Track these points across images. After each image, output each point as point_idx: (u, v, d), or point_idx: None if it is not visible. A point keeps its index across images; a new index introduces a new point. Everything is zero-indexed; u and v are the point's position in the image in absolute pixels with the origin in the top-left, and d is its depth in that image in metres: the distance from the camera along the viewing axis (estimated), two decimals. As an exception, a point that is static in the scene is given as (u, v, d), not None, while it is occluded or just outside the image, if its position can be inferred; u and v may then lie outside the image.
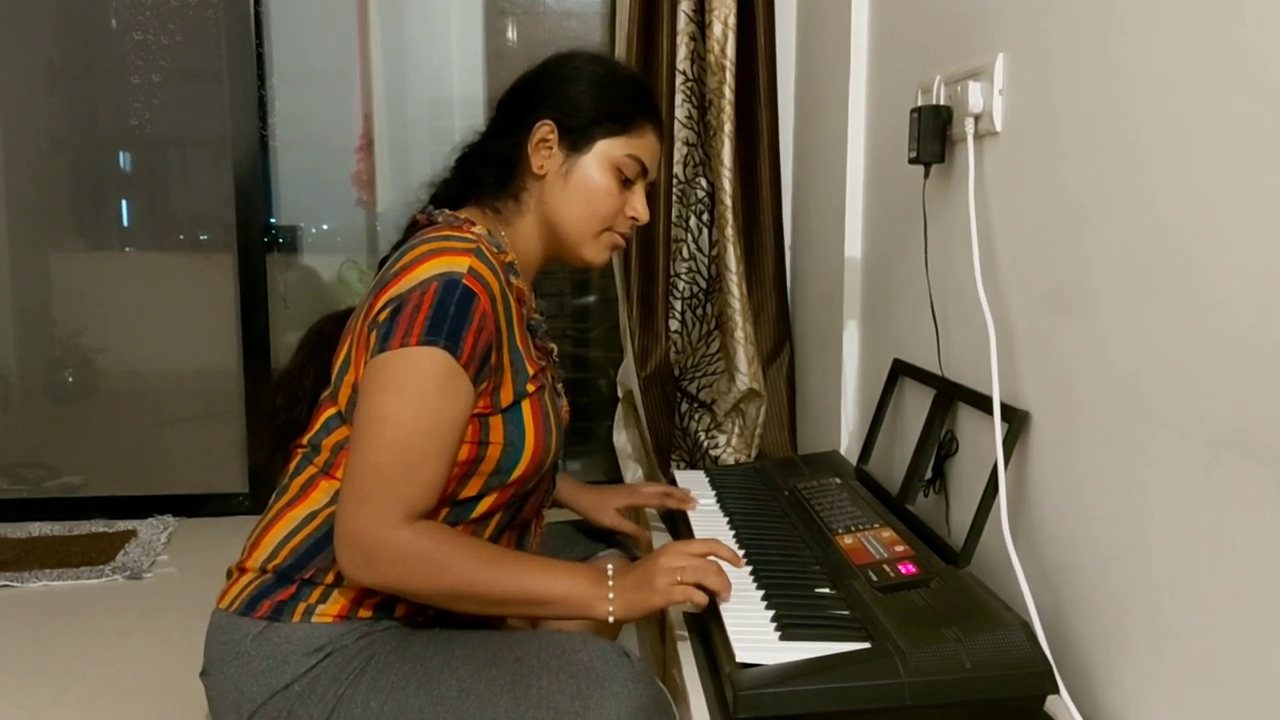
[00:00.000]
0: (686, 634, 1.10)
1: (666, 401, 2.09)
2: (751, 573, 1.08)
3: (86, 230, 2.44)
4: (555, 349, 1.22)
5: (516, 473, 1.04)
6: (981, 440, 1.18)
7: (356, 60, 2.42)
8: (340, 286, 2.46)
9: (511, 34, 2.43)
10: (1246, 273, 0.73)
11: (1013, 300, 1.12)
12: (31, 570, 1.99)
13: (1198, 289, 0.79)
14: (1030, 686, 0.87)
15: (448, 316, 0.95)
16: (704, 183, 2.11)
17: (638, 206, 1.15)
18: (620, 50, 2.05)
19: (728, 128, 1.99)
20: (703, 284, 2.14)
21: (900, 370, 1.48)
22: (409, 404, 0.94)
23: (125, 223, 2.45)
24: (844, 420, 1.75)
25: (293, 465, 1.06)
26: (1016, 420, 1.07)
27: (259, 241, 2.37)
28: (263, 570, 1.01)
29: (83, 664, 1.59)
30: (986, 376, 1.08)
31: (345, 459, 1.00)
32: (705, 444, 2.11)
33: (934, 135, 1.27)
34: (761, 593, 1.03)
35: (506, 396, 1.03)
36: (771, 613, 0.98)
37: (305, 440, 1.06)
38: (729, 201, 2.01)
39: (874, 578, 1.05)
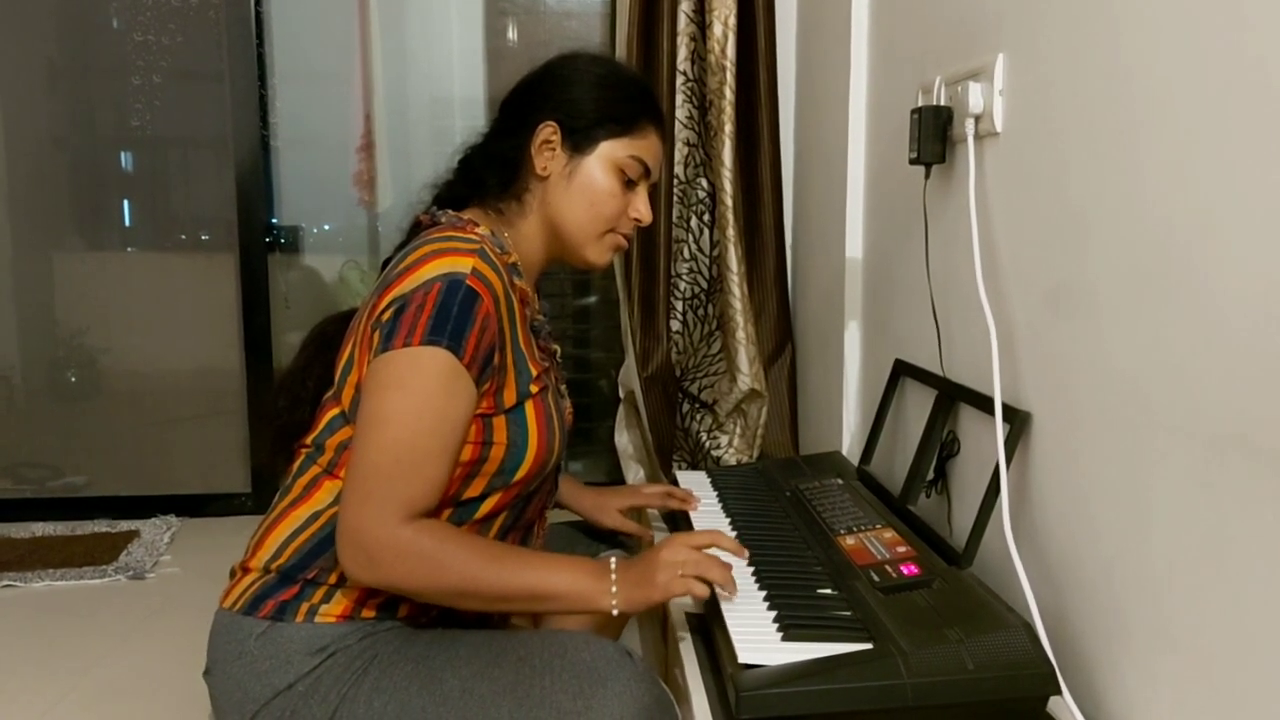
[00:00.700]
0: (689, 634, 1.11)
1: (668, 402, 2.09)
2: (754, 573, 1.09)
3: (88, 230, 2.45)
4: (559, 350, 1.22)
5: (520, 473, 1.05)
6: (983, 441, 1.18)
7: (357, 60, 2.43)
8: (341, 287, 2.47)
9: (511, 34, 2.43)
10: (1247, 274, 0.73)
11: (1014, 301, 1.12)
12: (35, 570, 1.99)
13: (1198, 289, 0.79)
14: (1032, 687, 0.87)
15: (451, 317, 0.95)
16: (705, 183, 2.11)
17: (641, 208, 1.16)
18: (620, 50, 2.05)
19: (728, 128, 1.99)
20: (704, 284, 2.14)
21: (902, 371, 1.48)
22: (411, 403, 0.94)
23: (127, 223, 2.46)
24: (845, 421, 1.75)
25: (296, 465, 1.06)
26: (1018, 421, 1.07)
27: (260, 241, 2.37)
28: (266, 570, 1.01)
29: (86, 664, 1.59)
30: (988, 377, 1.08)
31: (348, 458, 1.00)
32: (707, 444, 2.11)
33: (934, 136, 1.27)
34: (763, 593, 1.03)
35: (510, 397, 1.03)
36: (774, 613, 0.98)
37: (309, 440, 1.06)
38: (730, 202, 2.01)
39: (876, 578, 1.05)
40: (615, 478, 2.27)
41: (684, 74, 2.05)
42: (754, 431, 2.06)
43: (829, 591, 1.04)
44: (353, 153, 2.44)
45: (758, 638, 0.93)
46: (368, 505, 0.92)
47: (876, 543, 1.15)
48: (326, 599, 0.99)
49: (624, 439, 2.22)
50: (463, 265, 0.98)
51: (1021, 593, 0.96)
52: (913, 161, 1.30)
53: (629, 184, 1.14)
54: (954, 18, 1.29)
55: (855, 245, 1.71)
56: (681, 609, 1.16)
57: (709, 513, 1.36)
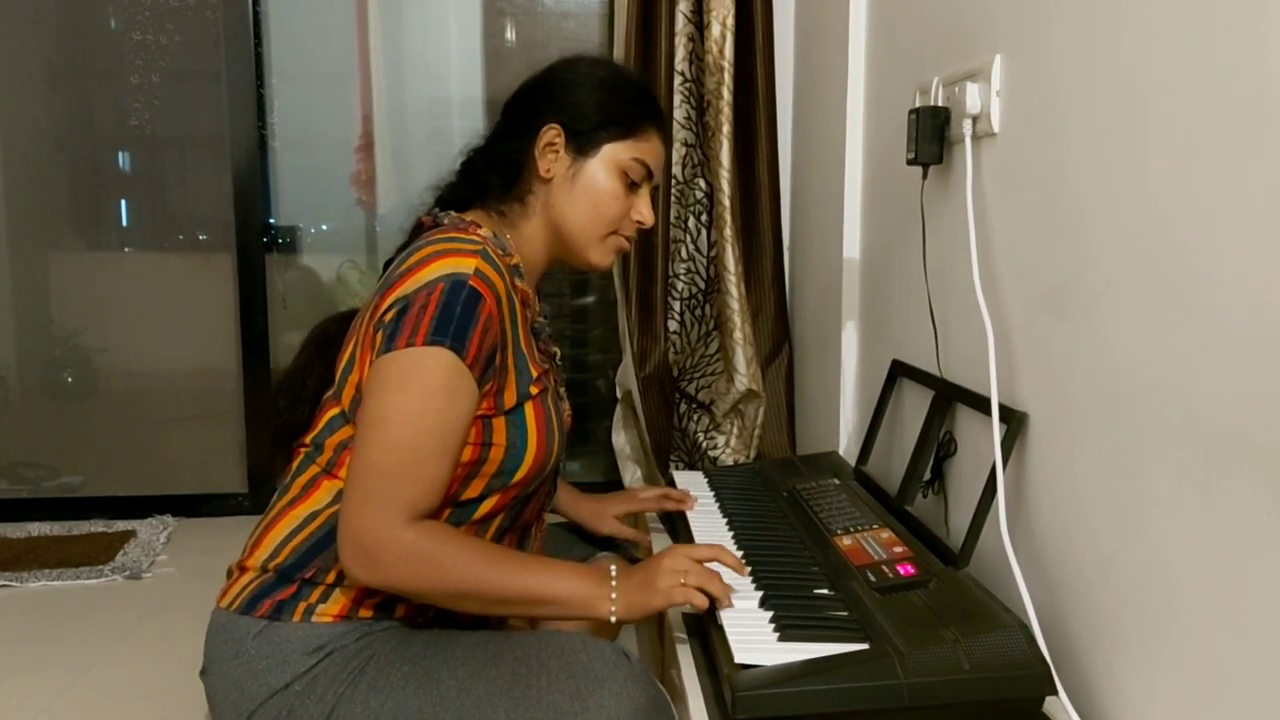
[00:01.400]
0: (685, 635, 1.10)
1: (665, 402, 2.09)
2: (750, 574, 1.09)
3: (86, 230, 2.44)
4: (559, 352, 1.22)
5: (519, 475, 1.05)
6: (980, 441, 1.18)
7: (356, 60, 2.43)
8: (339, 287, 2.46)
9: (510, 34, 2.43)
10: (1244, 274, 0.73)
11: (1011, 301, 1.12)
12: (31, 570, 1.99)
13: (1195, 290, 0.79)
14: (1028, 688, 0.87)
15: (453, 317, 0.95)
16: (702, 183, 2.11)
17: (643, 210, 1.16)
18: (618, 51, 2.05)
19: (726, 129, 2.00)
20: (701, 285, 2.14)
21: (899, 371, 1.48)
22: (414, 404, 0.94)
23: (124, 223, 2.45)
24: (843, 421, 1.75)
25: (295, 465, 1.06)
26: (1015, 421, 1.08)
27: (258, 242, 2.37)
28: (263, 569, 1.01)
29: (82, 664, 1.59)
30: (985, 377, 1.09)
31: (348, 458, 1.00)
32: (704, 445, 2.11)
33: (932, 136, 1.27)
34: (760, 594, 1.03)
35: (510, 398, 1.03)
36: (770, 613, 0.98)
37: (308, 440, 1.06)
38: (727, 202, 2.01)
39: (873, 579, 1.05)
40: (612, 478, 2.27)
41: (682, 74, 2.05)
42: (751, 432, 2.06)
43: (825, 592, 1.04)
44: (351, 153, 2.44)
45: (754, 638, 0.93)
46: (370, 506, 0.92)
47: (873, 543, 1.15)
48: (324, 598, 0.99)
49: (621, 439, 2.22)
50: (466, 266, 0.98)
51: (1018, 593, 0.97)
52: (910, 162, 1.30)
53: (631, 186, 1.15)
54: (951, 18, 1.29)
55: (853, 246, 1.72)
56: (678, 610, 1.16)
57: (706, 513, 1.36)
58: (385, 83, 2.44)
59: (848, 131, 1.69)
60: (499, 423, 1.02)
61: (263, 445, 2.34)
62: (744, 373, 2.01)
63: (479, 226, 1.08)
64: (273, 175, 2.39)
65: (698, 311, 2.15)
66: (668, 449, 2.11)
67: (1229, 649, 0.75)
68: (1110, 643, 0.92)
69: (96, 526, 2.28)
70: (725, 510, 1.36)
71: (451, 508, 1.03)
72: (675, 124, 2.07)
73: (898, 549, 1.13)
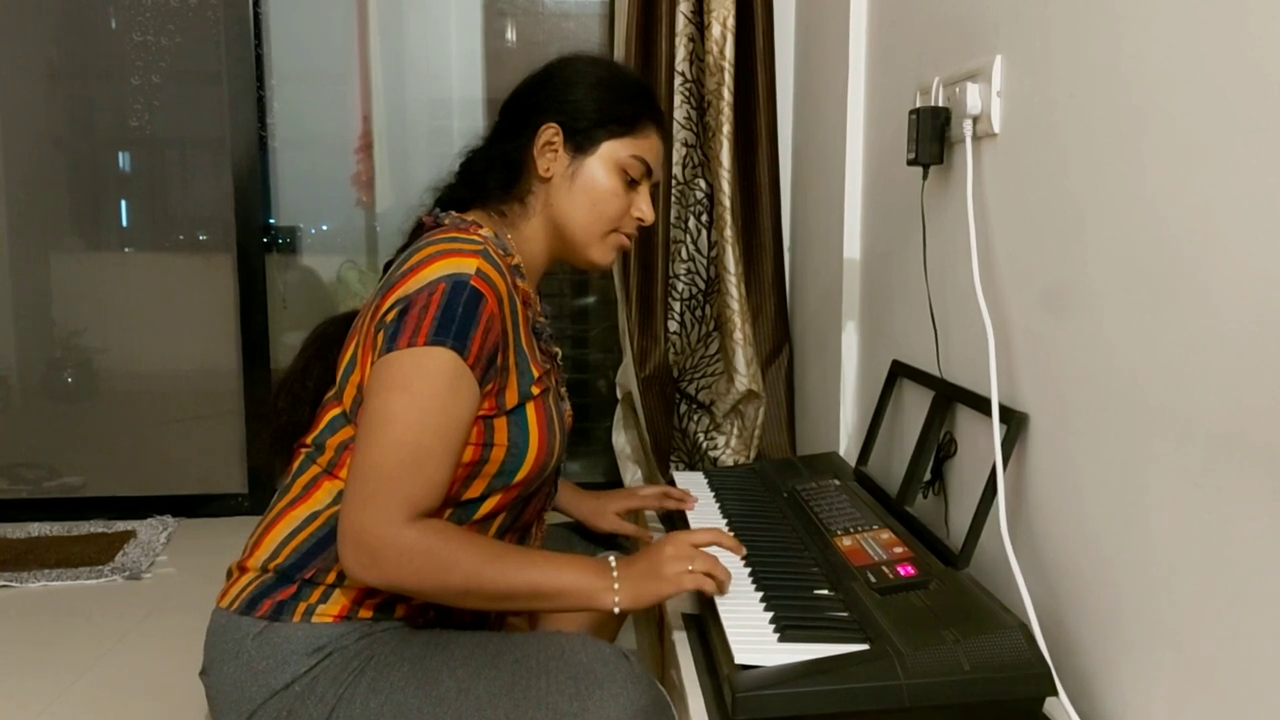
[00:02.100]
0: (685, 635, 1.11)
1: (665, 403, 2.09)
2: (750, 574, 1.09)
3: (86, 230, 2.44)
4: (560, 353, 1.22)
5: (520, 475, 1.05)
6: (980, 442, 1.18)
7: (356, 61, 2.43)
8: (339, 287, 2.47)
9: (510, 35, 2.43)
10: (1243, 274, 0.73)
11: (1011, 302, 1.12)
12: (31, 570, 1.99)
13: (1195, 290, 0.79)
14: (1029, 688, 0.87)
15: (455, 317, 0.95)
16: (703, 184, 2.11)
17: (643, 207, 1.16)
18: (619, 51, 2.05)
19: (726, 129, 2.00)
20: (701, 285, 2.14)
21: (899, 371, 1.48)
22: (416, 403, 0.94)
23: (125, 223, 2.45)
24: (843, 421, 1.75)
25: (296, 465, 1.06)
26: (1015, 422, 1.08)
27: (258, 242, 2.37)
28: (264, 570, 1.01)
29: (82, 664, 1.59)
30: (985, 378, 1.09)
31: (349, 459, 1.00)
32: (704, 445, 2.11)
33: (932, 137, 1.27)
34: (760, 594, 1.03)
35: (511, 398, 1.03)
36: (770, 614, 0.98)
37: (309, 440, 1.06)
38: (728, 203, 2.01)
39: (873, 579, 1.05)
40: (613, 478, 2.27)
41: (682, 75, 2.05)
42: (751, 432, 2.06)
43: (826, 592, 1.04)
44: (351, 153, 2.44)
45: (754, 638, 0.93)
46: (371, 505, 0.92)
47: (873, 543, 1.15)
48: (324, 599, 0.99)
49: (621, 439, 2.22)
50: (467, 266, 0.98)
51: (1018, 594, 0.97)
52: (910, 162, 1.30)
53: (631, 184, 1.14)
54: (952, 19, 1.29)
55: (853, 246, 1.72)
56: (678, 610, 1.16)
57: (706, 513, 1.36)
58: (385, 83, 2.44)
59: (848, 132, 1.69)
60: (500, 423, 1.02)
61: (263, 446, 2.34)
62: (744, 373, 2.01)
63: (480, 227, 1.09)
64: (273, 176, 2.39)
65: (698, 312, 2.15)
66: (668, 449, 2.11)
67: (1229, 649, 0.75)
68: (1111, 643, 0.92)
69: (97, 527, 2.28)
70: (725, 511, 1.36)
71: (452, 508, 1.03)
72: (676, 124, 2.07)
73: (898, 550, 1.13)
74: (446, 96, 2.47)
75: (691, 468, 2.14)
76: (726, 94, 1.99)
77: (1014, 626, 0.91)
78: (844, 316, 1.73)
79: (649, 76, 2.00)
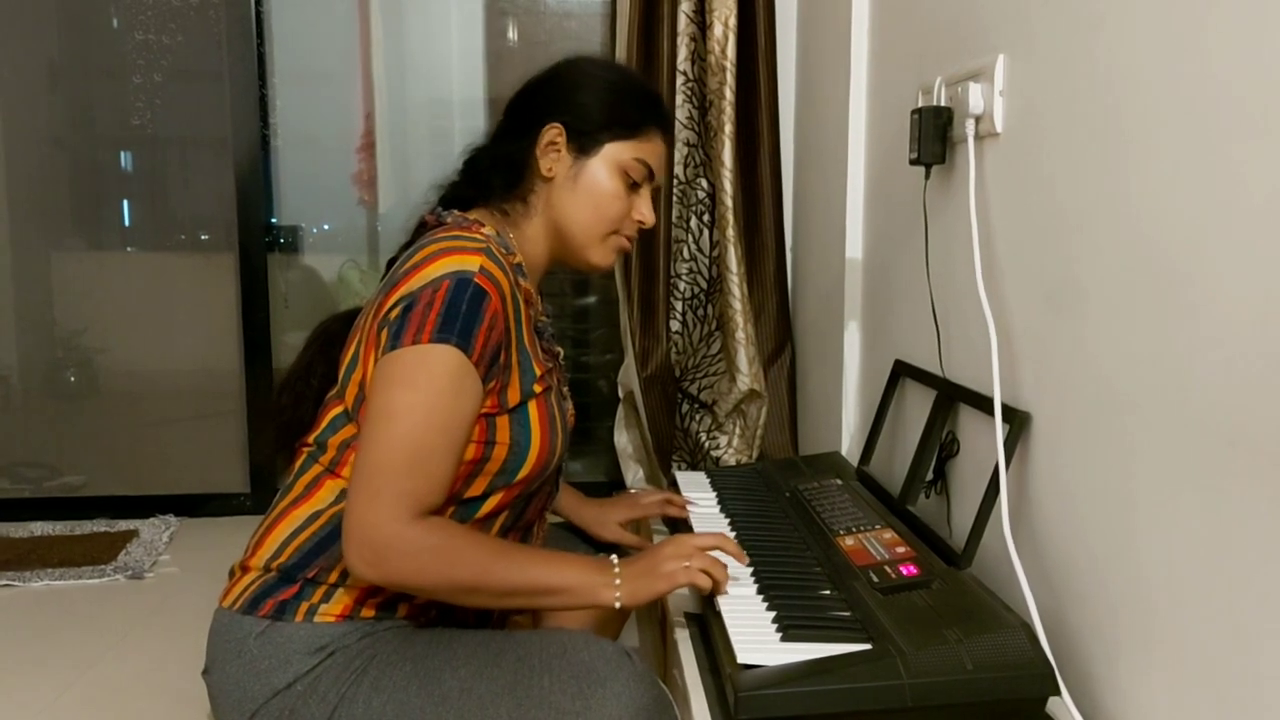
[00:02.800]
0: (687, 634, 1.11)
1: (667, 402, 2.09)
2: (753, 574, 1.09)
3: (88, 230, 2.44)
4: (562, 352, 1.22)
5: (522, 473, 1.05)
6: (982, 441, 1.18)
7: (357, 60, 2.42)
8: (341, 286, 2.46)
9: (512, 34, 2.43)
10: (1245, 275, 0.73)
11: (1013, 301, 1.12)
12: (33, 570, 1.99)
13: (1197, 290, 0.79)
14: (1031, 688, 0.87)
15: (459, 314, 0.95)
16: (705, 183, 2.11)
17: (644, 210, 1.16)
18: (620, 51, 2.05)
19: (728, 129, 1.99)
20: (703, 285, 2.14)
21: (901, 371, 1.48)
22: (420, 400, 0.94)
23: (126, 222, 2.45)
24: (845, 421, 1.75)
25: (298, 464, 1.06)
26: (1017, 421, 1.07)
27: (260, 241, 2.37)
28: (266, 569, 1.01)
29: (84, 663, 1.59)
30: (987, 377, 1.08)
31: (352, 457, 1.00)
32: (706, 445, 2.11)
33: (935, 136, 1.27)
34: (763, 593, 1.03)
35: (513, 397, 1.03)
36: (773, 614, 0.98)
37: (311, 439, 1.06)
38: (730, 202, 2.01)
39: (875, 579, 1.05)
40: (614, 478, 2.27)
41: (684, 74, 2.05)
42: (753, 432, 2.06)
43: (828, 592, 1.04)
44: (353, 153, 2.44)
45: (757, 638, 0.93)
46: (377, 503, 0.92)
47: (875, 543, 1.15)
48: (326, 598, 0.99)
49: (623, 439, 2.22)
50: (470, 263, 0.98)
51: (1020, 593, 0.97)
52: (913, 162, 1.30)
53: (633, 186, 1.15)
54: (954, 18, 1.29)
55: (855, 246, 1.71)
56: (680, 609, 1.16)
57: (708, 513, 1.36)
58: (387, 83, 2.43)
59: (850, 131, 1.69)
60: (502, 421, 1.02)
61: (265, 445, 2.34)
62: (746, 373, 2.01)
63: (482, 225, 1.09)
64: (275, 175, 2.39)
65: (700, 311, 2.15)
66: (670, 449, 2.11)
67: (1232, 648, 0.75)
68: (1113, 643, 0.92)
69: (99, 526, 2.28)
70: (727, 510, 1.36)
71: (455, 506, 1.03)
72: (677, 124, 2.07)
73: (900, 549, 1.13)
74: (448, 96, 2.47)
75: (693, 467, 2.14)
76: (728, 93, 1.99)
77: (1016, 626, 0.91)
78: (846, 316, 1.73)
79: (651, 76, 2.00)
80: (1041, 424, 1.06)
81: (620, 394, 2.22)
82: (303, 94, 2.40)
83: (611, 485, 2.31)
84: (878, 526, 1.21)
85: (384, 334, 0.97)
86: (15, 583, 1.93)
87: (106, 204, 2.43)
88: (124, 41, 2.35)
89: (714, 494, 1.45)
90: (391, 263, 1.11)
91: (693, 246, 2.13)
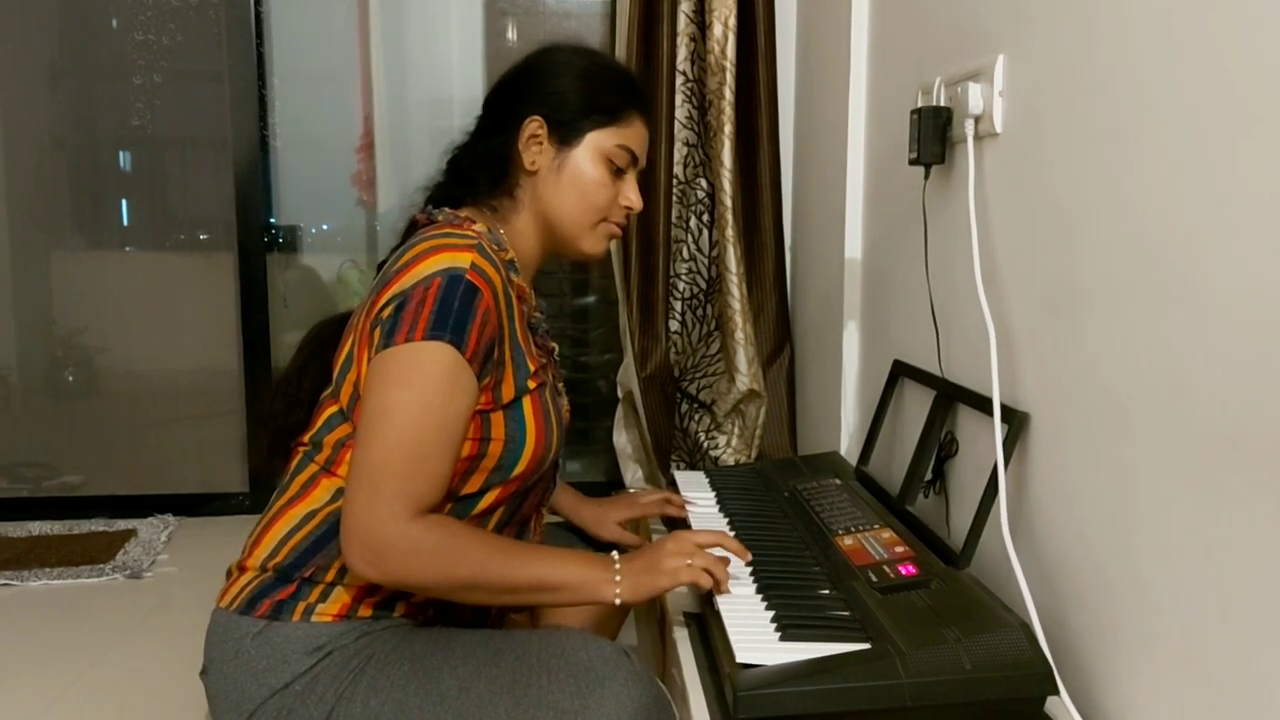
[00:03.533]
0: (686, 633, 1.10)
1: (666, 402, 2.09)
2: (752, 573, 1.09)
3: (87, 230, 2.44)
4: (556, 348, 1.22)
5: (518, 469, 1.05)
6: (981, 441, 1.18)
7: (357, 61, 2.42)
8: (340, 287, 2.46)
9: (511, 34, 2.43)
10: (1245, 275, 0.73)
11: (1013, 301, 1.12)
12: (32, 569, 1.99)
13: (1197, 290, 0.79)
14: (1030, 687, 0.87)
15: (452, 311, 0.95)
16: (704, 183, 2.11)
17: (631, 195, 1.16)
18: (620, 51, 2.05)
19: (728, 128, 1.99)
20: (703, 285, 2.14)
21: (900, 371, 1.48)
22: (416, 398, 0.94)
23: (126, 222, 2.45)
24: (844, 421, 1.75)
25: (294, 463, 1.06)
26: (1016, 421, 1.07)
27: (259, 241, 2.37)
28: (263, 569, 1.01)
29: (83, 663, 1.59)
30: (986, 378, 1.08)
31: (348, 456, 1.00)
32: (705, 445, 2.11)
33: (934, 136, 1.27)
34: (762, 593, 1.03)
35: (508, 392, 1.03)
36: (771, 613, 0.98)
37: (306, 438, 1.06)
38: (729, 202, 2.01)
39: (874, 579, 1.05)
40: (614, 478, 2.27)
41: (684, 74, 2.05)
42: (752, 432, 2.06)
43: (827, 591, 1.04)
44: (352, 153, 2.44)
45: (756, 637, 0.93)
46: (376, 502, 0.92)
47: (874, 543, 1.15)
48: (323, 598, 0.99)
49: (622, 439, 2.22)
50: (462, 260, 0.98)
51: (1019, 593, 0.96)
52: (912, 162, 1.30)
53: (618, 173, 1.14)
54: (954, 18, 1.29)
55: (854, 246, 1.71)
56: (679, 608, 1.16)
57: (707, 513, 1.36)
58: (386, 83, 2.43)
59: (849, 131, 1.69)
60: (497, 417, 1.02)
61: (261, 448, 2.34)
62: (745, 373, 2.01)
63: (473, 222, 1.09)
64: (274, 175, 2.39)
65: (699, 311, 2.15)
66: (669, 449, 2.11)
67: (1231, 648, 0.75)
68: (1112, 642, 0.92)
69: (97, 525, 2.28)
70: (726, 510, 1.36)
71: (451, 502, 1.03)
72: (677, 124, 2.07)
73: (899, 549, 1.12)
74: (447, 96, 2.47)
75: (693, 467, 2.14)
76: (728, 93, 1.99)
77: (1015, 626, 0.91)
78: (845, 316, 1.73)
79: (650, 76, 2.00)
80: (1040, 424, 1.06)
81: (619, 394, 2.22)
82: (302, 94, 2.40)
83: (610, 485, 2.31)
84: (876, 526, 1.21)
85: (377, 333, 0.97)
86: (14, 582, 1.93)
87: (106, 204, 2.43)
88: (124, 42, 2.35)
89: (713, 494, 1.45)
90: (384, 263, 1.11)
91: (692, 246, 2.13)
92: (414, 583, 0.95)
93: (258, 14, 2.32)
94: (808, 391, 2.04)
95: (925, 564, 1.07)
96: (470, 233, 1.04)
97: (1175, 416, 0.82)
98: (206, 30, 2.34)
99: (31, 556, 2.06)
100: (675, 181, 2.09)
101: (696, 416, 2.14)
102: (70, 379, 2.46)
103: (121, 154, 2.42)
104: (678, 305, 2.15)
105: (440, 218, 1.10)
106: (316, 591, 0.99)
